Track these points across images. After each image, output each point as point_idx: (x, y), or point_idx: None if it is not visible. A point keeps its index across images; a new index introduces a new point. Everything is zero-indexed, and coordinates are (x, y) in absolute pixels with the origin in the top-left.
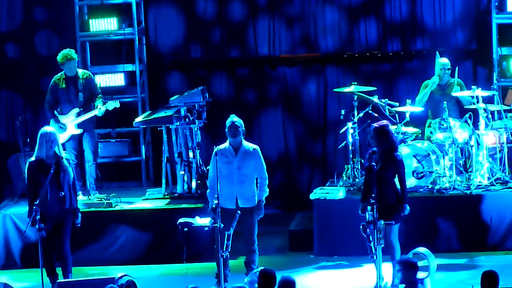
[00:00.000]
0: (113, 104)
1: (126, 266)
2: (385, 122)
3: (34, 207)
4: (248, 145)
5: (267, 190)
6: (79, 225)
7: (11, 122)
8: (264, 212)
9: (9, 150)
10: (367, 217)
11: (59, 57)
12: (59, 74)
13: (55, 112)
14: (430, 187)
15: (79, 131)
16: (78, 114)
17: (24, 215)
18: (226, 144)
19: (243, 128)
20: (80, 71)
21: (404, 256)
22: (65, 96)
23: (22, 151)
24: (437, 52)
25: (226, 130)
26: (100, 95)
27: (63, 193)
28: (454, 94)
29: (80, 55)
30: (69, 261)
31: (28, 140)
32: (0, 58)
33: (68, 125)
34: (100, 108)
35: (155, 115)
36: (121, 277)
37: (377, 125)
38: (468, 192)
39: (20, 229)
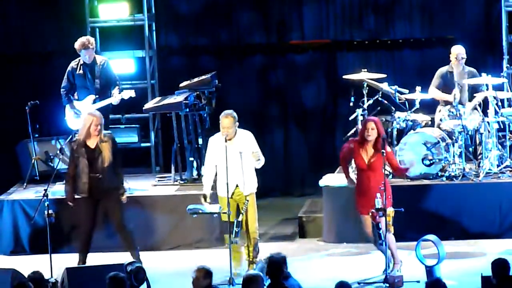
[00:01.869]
0: (128, 93)
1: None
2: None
3: (44, 194)
4: (242, 132)
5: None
6: (124, 202)
7: (20, 108)
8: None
9: (18, 136)
10: (376, 204)
11: (76, 44)
12: (76, 60)
13: (71, 97)
14: (439, 175)
15: None
16: (94, 101)
17: (32, 201)
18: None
19: (235, 116)
20: (98, 58)
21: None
22: (81, 82)
23: (31, 137)
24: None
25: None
26: (117, 82)
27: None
28: (466, 81)
29: None
30: (133, 235)
31: (37, 126)
32: (9, 43)
33: (83, 111)
34: (115, 97)
35: (165, 101)
36: (130, 263)
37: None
38: (477, 179)
39: (29, 215)
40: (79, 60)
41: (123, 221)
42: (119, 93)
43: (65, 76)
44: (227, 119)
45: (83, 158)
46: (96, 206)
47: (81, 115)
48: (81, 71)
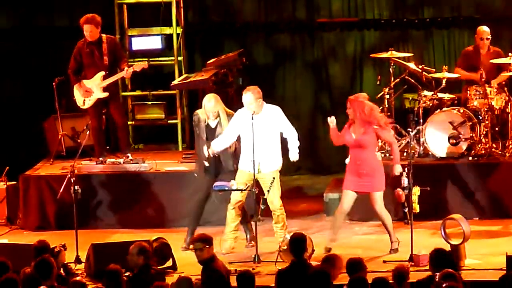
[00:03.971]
0: (141, 65)
1: (161, 229)
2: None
3: (70, 170)
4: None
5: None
6: None
7: (47, 84)
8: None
9: (45, 112)
10: (402, 182)
11: (81, 19)
12: (82, 40)
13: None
14: (465, 154)
15: (105, 94)
16: (104, 78)
17: (59, 176)
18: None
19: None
20: (105, 36)
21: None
22: (89, 60)
23: (58, 113)
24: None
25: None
26: (125, 59)
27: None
28: (492, 61)
29: (118, 18)
30: None
31: (65, 102)
32: (35, 20)
33: (94, 89)
34: (126, 70)
35: (192, 78)
36: (155, 240)
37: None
38: (503, 158)
39: (55, 191)
40: (85, 39)
41: None
42: (129, 67)
43: (72, 57)
44: (246, 95)
45: None
46: None
47: (93, 93)
48: (88, 50)
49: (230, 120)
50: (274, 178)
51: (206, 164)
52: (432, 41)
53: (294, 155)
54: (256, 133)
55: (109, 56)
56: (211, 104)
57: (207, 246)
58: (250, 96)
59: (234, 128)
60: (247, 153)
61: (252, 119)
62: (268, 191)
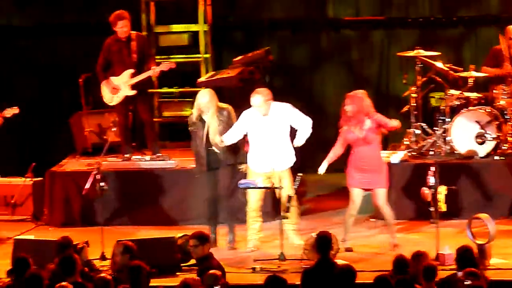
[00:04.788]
0: (168, 65)
1: (186, 226)
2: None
3: (96, 166)
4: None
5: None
6: None
7: (74, 81)
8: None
9: (72, 108)
10: (429, 181)
11: (111, 17)
12: (111, 37)
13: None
14: (492, 153)
15: (133, 92)
16: (132, 75)
17: (84, 173)
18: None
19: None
20: (133, 33)
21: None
22: (118, 57)
23: (85, 109)
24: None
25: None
26: (153, 57)
27: None
28: None
29: (145, 15)
30: None
31: (91, 99)
32: (64, 14)
33: (122, 86)
34: (154, 69)
35: (218, 76)
36: (180, 237)
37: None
38: None
39: (81, 187)
40: (114, 36)
41: None
42: (157, 66)
43: (101, 54)
44: (254, 98)
45: None
46: None
47: (120, 90)
48: (116, 47)
49: (238, 119)
50: (299, 175)
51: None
52: (459, 39)
53: (299, 141)
54: (267, 134)
55: (138, 53)
56: (205, 100)
57: (202, 244)
58: (260, 98)
59: (241, 127)
60: (258, 153)
61: (261, 119)
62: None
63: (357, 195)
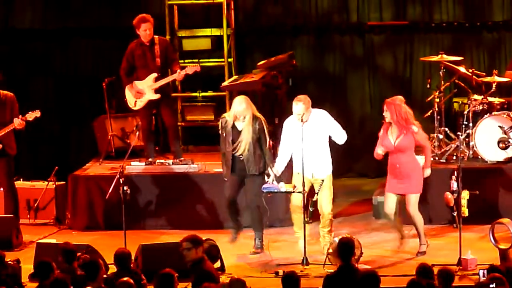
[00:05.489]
0: (193, 68)
1: (209, 230)
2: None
3: (119, 170)
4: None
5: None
6: None
7: (98, 85)
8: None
9: (95, 112)
10: (452, 186)
11: (135, 20)
12: (135, 41)
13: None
14: None
15: (157, 96)
16: (156, 79)
17: (107, 177)
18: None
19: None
20: (156, 37)
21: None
22: (141, 61)
23: (108, 113)
24: None
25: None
26: (177, 61)
27: None
28: None
29: (168, 19)
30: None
31: (114, 103)
32: (86, 18)
33: (146, 90)
34: (179, 72)
35: (242, 80)
36: (204, 241)
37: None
38: None
39: (104, 191)
40: (138, 40)
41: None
42: (182, 69)
43: (124, 58)
44: (297, 105)
45: None
46: None
47: (144, 94)
48: (140, 51)
49: (281, 134)
50: (323, 180)
51: (225, 179)
52: (482, 44)
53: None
54: (306, 140)
55: (161, 57)
56: (242, 107)
57: (196, 247)
58: (302, 106)
59: (286, 140)
60: (300, 159)
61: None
62: (317, 193)
63: (388, 199)
